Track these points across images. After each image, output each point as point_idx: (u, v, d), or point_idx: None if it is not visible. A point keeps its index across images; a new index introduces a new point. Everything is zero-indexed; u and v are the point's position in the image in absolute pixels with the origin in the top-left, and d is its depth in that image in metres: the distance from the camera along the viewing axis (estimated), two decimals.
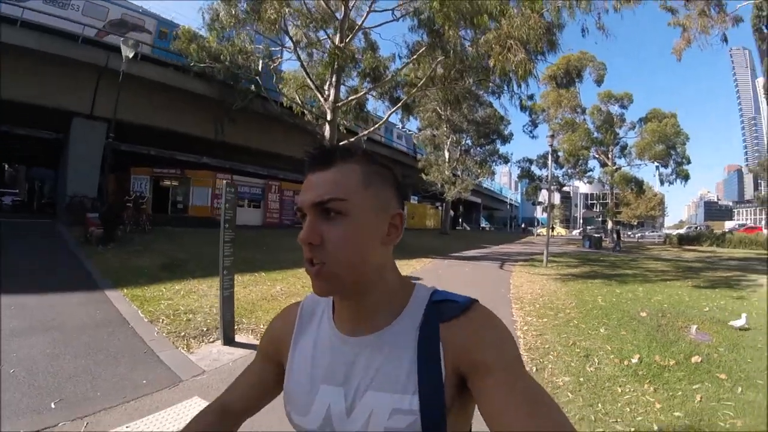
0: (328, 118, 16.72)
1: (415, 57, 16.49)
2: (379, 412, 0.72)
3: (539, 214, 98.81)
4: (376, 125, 19.35)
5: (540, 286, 10.43)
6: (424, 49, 15.72)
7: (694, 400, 3.76)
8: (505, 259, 18.55)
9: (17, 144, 27.71)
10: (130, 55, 16.01)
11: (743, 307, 7.64)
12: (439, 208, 44.21)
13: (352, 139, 17.69)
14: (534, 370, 4.53)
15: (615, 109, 39.24)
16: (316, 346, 0.84)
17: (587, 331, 6.13)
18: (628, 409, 3.59)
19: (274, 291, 8.47)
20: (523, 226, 78.98)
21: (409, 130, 39.20)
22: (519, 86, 16.80)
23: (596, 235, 33.18)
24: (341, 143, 0.89)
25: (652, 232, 56.66)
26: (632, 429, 3.25)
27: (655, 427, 3.27)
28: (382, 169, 0.80)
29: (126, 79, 18.36)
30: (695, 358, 4.80)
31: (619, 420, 3.40)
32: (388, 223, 0.77)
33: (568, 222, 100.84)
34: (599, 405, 3.66)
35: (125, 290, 7.68)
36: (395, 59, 19.96)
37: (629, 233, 58.22)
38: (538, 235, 60.65)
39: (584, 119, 38.40)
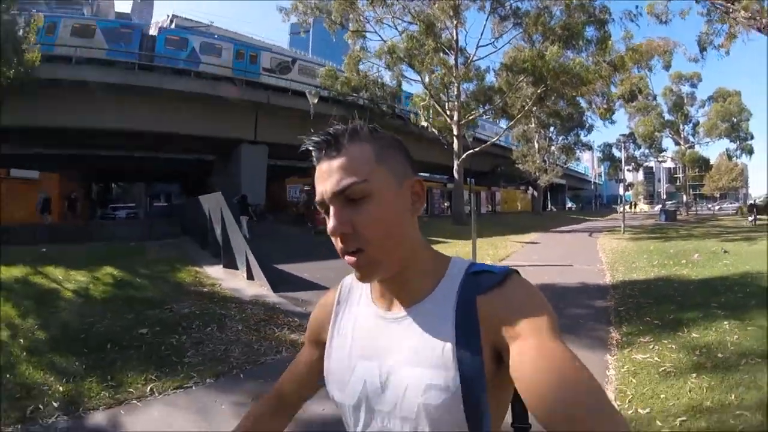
0: (455, 133, 23.18)
1: (519, 82, 22.65)
2: (414, 387, 0.73)
3: (622, 191, 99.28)
4: (497, 137, 25.94)
5: (616, 244, 16.53)
6: (525, 78, 21.81)
7: (672, 268, 9.92)
8: (593, 230, 24.55)
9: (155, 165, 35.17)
10: (316, 101, 22.55)
11: (730, 245, 13.31)
12: (528, 192, 49.63)
13: (476, 149, 24.03)
14: (609, 266, 10.81)
15: (686, 88, 42.04)
16: (355, 323, 0.86)
17: (637, 257, 12.33)
18: (643, 270, 9.88)
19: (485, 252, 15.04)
20: (572, 205, 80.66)
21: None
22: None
23: (671, 209, 37.42)
24: (348, 125, 0.79)
25: (731, 203, 58.19)
26: (643, 273, 9.48)
27: (653, 276, 9.44)
28: (391, 140, 0.80)
29: (279, 110, 26.05)
30: (683, 262, 10.85)
31: (637, 271, 9.74)
32: (410, 192, 0.78)
33: (652, 197, 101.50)
34: (633, 272, 9.93)
35: None
36: (489, 71, 26.36)
37: (709, 206, 60.26)
38: (619, 212, 63.83)
39: (656, 103, 42.02)
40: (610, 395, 3.79)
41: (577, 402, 0.58)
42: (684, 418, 3.24)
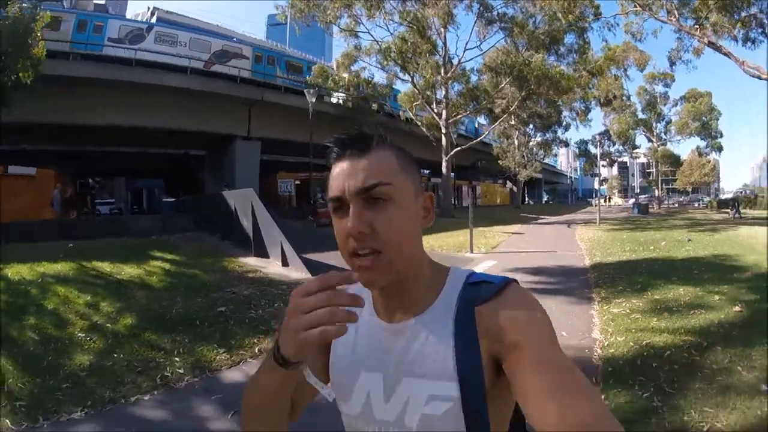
0: (443, 131, 24.78)
1: (504, 84, 24.37)
2: (416, 398, 0.74)
3: (597, 186, 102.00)
4: (482, 136, 27.60)
5: (593, 234, 18.29)
6: (509, 80, 23.56)
7: (642, 253, 11.63)
8: (571, 222, 26.41)
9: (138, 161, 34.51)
10: (314, 100, 22.37)
11: (695, 234, 15.21)
12: (506, 185, 51.68)
13: (464, 146, 25.71)
14: (588, 252, 12.49)
15: (659, 88, 43.94)
16: (357, 333, 0.85)
17: (611, 245, 14.05)
18: (616, 254, 11.57)
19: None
20: (549, 199, 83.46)
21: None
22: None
23: (643, 203, 39.71)
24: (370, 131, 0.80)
25: (703, 197, 60.80)
26: (617, 257, 11.16)
27: (625, 258, 11.12)
28: (409, 154, 0.81)
29: (271, 107, 26.61)
30: (652, 248, 12.57)
31: (611, 255, 11.46)
32: (422, 206, 0.80)
33: (626, 191, 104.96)
34: (608, 256, 11.60)
35: None
36: (474, 72, 28.18)
37: (680, 199, 63.12)
38: (594, 205, 66.22)
39: (630, 102, 43.87)
40: (597, 333, 5.35)
41: (575, 414, 0.59)
42: (648, 341, 4.80)
